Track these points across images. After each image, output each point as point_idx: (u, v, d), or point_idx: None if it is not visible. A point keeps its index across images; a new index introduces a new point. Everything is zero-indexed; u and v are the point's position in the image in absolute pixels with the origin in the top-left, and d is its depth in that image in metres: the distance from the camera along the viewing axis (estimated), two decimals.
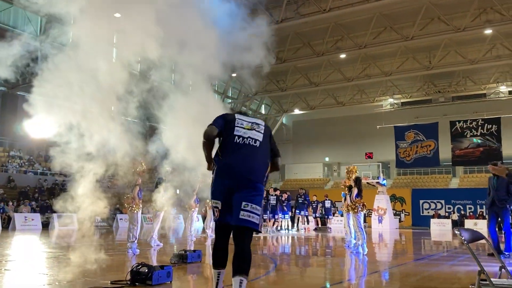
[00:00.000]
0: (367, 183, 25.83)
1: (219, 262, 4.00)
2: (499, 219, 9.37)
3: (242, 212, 3.77)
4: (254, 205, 3.81)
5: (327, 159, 42.71)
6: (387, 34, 29.08)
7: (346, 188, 11.94)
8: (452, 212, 28.57)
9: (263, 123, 4.36)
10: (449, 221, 26.34)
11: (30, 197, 22.30)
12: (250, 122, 4.24)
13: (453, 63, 30.78)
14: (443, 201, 29.59)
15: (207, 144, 4.06)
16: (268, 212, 17.64)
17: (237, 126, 4.12)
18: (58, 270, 6.83)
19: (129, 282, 5.32)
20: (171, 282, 5.55)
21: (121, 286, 5.26)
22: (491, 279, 2.78)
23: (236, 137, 4.04)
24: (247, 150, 4.01)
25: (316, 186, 39.51)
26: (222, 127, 4.08)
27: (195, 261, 7.61)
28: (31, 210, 20.51)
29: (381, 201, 25.44)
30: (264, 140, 4.19)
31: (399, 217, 29.50)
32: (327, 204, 23.07)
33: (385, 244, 14.70)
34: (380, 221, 25.20)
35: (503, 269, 2.95)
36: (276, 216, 18.39)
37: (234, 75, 35.99)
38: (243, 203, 3.79)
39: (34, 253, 9.58)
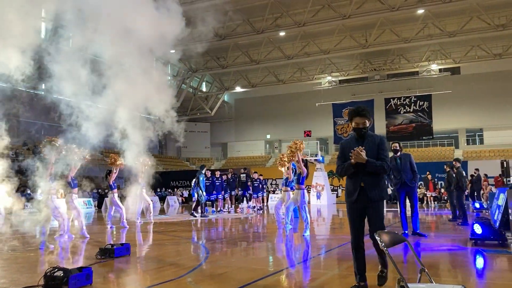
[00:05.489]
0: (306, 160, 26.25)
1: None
2: (408, 200, 9.34)
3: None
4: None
5: (268, 136, 42.98)
6: (325, 12, 29.25)
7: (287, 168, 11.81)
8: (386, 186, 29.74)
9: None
10: None
11: None
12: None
13: (388, 42, 31.64)
14: None
15: None
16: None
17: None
18: None
19: None
20: (91, 284, 5.17)
21: None
22: (411, 284, 2.71)
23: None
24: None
25: (258, 163, 39.76)
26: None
27: (124, 255, 7.24)
28: None
29: (319, 178, 26.02)
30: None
31: (336, 192, 30.34)
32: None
33: (323, 223, 14.99)
34: (318, 197, 25.82)
35: (423, 272, 2.90)
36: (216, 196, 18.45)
37: (172, 51, 34.95)
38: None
39: None
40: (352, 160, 4.38)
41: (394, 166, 9.12)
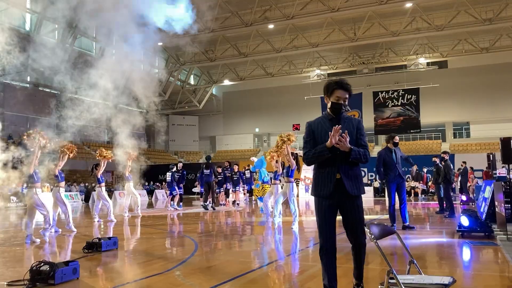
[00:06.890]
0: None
1: None
2: (397, 192, 9.37)
3: None
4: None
5: (257, 129, 42.93)
6: (314, 5, 29.21)
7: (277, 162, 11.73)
8: (374, 180, 29.96)
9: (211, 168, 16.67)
10: (371, 189, 27.57)
11: None
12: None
13: (376, 35, 31.72)
14: (365, 169, 30.88)
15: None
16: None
17: (203, 169, 16.46)
18: None
19: (28, 283, 4.81)
20: (78, 278, 5.10)
21: None
22: (401, 276, 2.70)
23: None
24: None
25: (247, 157, 39.68)
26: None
27: (111, 249, 7.17)
28: None
29: (308, 171, 26.04)
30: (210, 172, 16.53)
31: None
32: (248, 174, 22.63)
33: (312, 216, 15.02)
34: (307, 190, 25.90)
35: (412, 263, 2.90)
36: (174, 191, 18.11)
37: (160, 44, 34.63)
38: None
39: None
40: (328, 143, 3.42)
41: (390, 159, 9.13)
